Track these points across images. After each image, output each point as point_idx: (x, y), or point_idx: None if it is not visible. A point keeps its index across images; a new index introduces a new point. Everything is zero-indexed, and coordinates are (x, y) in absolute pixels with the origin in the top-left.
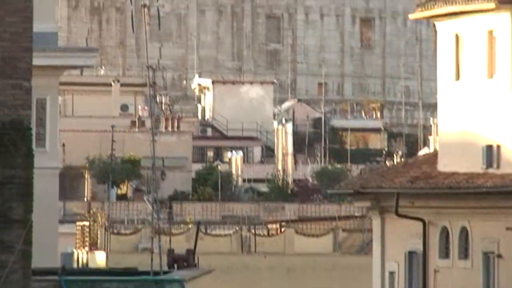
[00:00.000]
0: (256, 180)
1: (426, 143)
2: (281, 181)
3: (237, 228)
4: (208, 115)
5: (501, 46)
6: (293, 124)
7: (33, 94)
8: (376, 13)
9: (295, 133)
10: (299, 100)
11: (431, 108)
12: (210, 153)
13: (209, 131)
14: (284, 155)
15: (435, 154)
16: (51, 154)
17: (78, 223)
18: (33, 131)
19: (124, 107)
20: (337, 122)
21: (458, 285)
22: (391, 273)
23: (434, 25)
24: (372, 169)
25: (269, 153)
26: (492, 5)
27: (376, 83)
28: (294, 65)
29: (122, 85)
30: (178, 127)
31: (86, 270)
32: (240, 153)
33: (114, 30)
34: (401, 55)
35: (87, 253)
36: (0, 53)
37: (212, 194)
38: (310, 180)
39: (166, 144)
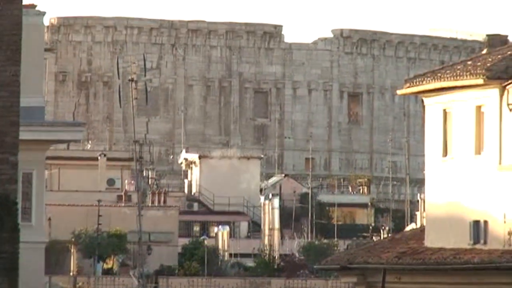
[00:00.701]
0: (243, 255)
1: (413, 218)
2: (267, 256)
3: None
4: (194, 190)
5: (489, 122)
6: (280, 199)
7: (20, 168)
8: (364, 88)
9: (281, 208)
10: (286, 175)
11: (418, 183)
12: (197, 228)
13: (196, 206)
14: (271, 230)
15: (422, 230)
16: (37, 229)
17: None
18: (19, 206)
19: (111, 182)
20: (324, 197)
21: None
22: None
23: (422, 100)
24: (359, 245)
25: (255, 228)
26: (480, 81)
27: (363, 158)
28: (282, 140)
29: (108, 159)
30: (164, 201)
31: None
32: (227, 228)
33: (101, 105)
34: (388, 131)
35: None
36: None
37: (199, 269)
38: (297, 255)
39: (153, 219)
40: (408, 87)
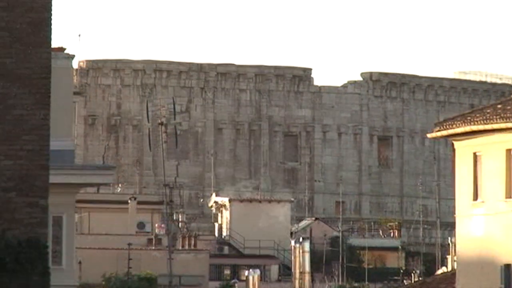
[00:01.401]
0: None
1: (444, 262)
2: None
3: None
4: (225, 233)
5: None
6: (311, 243)
7: (50, 211)
8: (393, 131)
9: (312, 252)
10: (316, 219)
11: (449, 227)
12: (227, 271)
13: (226, 249)
14: (302, 273)
15: (453, 273)
16: (68, 272)
17: None
18: (50, 249)
19: (141, 225)
20: (355, 241)
21: None
22: None
23: (452, 143)
24: None
25: (286, 271)
26: (510, 124)
27: (393, 201)
28: (312, 183)
29: (138, 203)
30: (195, 245)
31: None
32: (257, 271)
33: (131, 148)
34: (419, 174)
35: None
36: (17, 171)
37: None
38: None
39: (183, 262)
40: (438, 130)
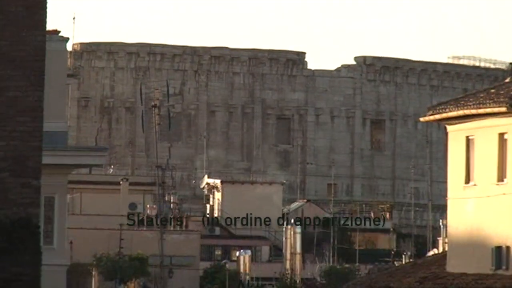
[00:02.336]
0: (264, 279)
1: (435, 244)
2: (289, 280)
3: None
4: (216, 214)
5: None
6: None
7: (42, 192)
8: (386, 115)
9: (303, 233)
10: (308, 201)
11: (441, 209)
12: (218, 252)
13: (218, 230)
14: (292, 254)
15: (444, 255)
16: (59, 251)
17: None
18: (41, 229)
19: (133, 206)
20: (346, 223)
21: None
22: None
23: (445, 127)
24: (381, 269)
25: (277, 252)
26: (503, 108)
27: (385, 184)
28: (304, 165)
29: (130, 184)
30: (186, 226)
31: None
32: (248, 252)
33: (124, 130)
34: (411, 157)
35: None
36: (10, 152)
37: None
38: (318, 279)
39: (174, 243)
40: (431, 114)
